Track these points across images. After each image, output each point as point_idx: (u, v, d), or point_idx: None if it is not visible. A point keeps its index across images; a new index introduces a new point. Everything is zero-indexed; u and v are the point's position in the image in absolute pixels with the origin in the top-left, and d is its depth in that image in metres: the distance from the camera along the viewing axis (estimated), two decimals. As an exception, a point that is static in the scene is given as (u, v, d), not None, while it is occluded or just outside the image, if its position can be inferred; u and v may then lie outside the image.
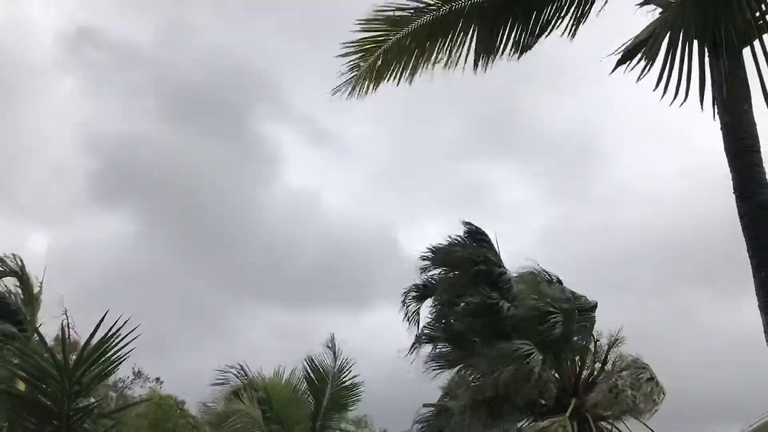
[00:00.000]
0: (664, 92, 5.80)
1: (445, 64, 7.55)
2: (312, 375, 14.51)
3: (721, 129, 6.28)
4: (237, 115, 44.21)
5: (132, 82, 41.93)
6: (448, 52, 7.51)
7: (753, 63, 5.76)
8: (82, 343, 7.19)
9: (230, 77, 41.40)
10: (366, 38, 7.67)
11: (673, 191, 34.38)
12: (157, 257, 39.04)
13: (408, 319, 16.39)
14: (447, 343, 16.28)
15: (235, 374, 14.91)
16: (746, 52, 5.87)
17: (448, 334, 16.15)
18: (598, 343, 15.74)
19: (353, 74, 7.79)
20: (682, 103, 5.75)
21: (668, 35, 5.93)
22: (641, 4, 6.76)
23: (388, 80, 7.78)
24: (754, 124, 6.07)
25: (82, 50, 44.42)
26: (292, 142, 49.32)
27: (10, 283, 10.91)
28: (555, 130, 37.36)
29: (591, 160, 40.31)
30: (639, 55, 6.12)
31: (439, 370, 16.24)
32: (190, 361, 33.96)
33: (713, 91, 5.93)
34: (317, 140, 46.58)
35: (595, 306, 15.37)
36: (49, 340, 8.24)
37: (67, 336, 7.20)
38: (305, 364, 14.53)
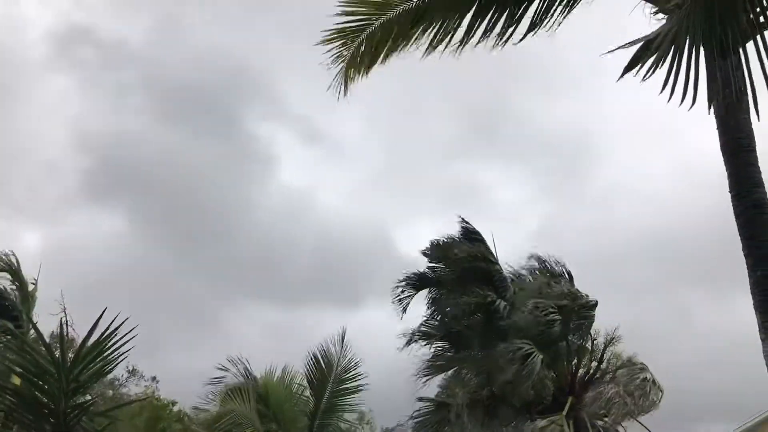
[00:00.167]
0: (671, 95, 5.79)
1: (430, 47, 7.30)
2: (314, 372, 14.40)
3: (717, 128, 6.31)
4: (231, 114, 44.16)
5: (125, 81, 41.78)
6: (438, 34, 7.24)
7: (751, 62, 5.78)
8: (78, 340, 7.20)
9: (224, 76, 41.35)
10: (347, 25, 7.46)
11: (668, 190, 34.52)
12: (150, 255, 38.99)
13: (400, 301, 16.36)
14: (443, 341, 16.30)
15: (234, 372, 14.77)
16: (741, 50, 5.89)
17: (445, 332, 16.17)
18: (595, 342, 15.80)
19: (340, 66, 7.62)
20: (690, 107, 5.74)
21: (674, 40, 5.92)
22: (654, 13, 6.78)
23: (376, 65, 7.59)
24: (750, 123, 6.10)
25: (75, 48, 44.28)
26: (286, 141, 49.27)
27: (5, 280, 10.90)
28: (549, 129, 37.40)
29: (586, 159, 40.39)
30: (649, 62, 6.05)
31: (433, 375, 16.28)
32: (182, 359, 33.95)
33: (709, 91, 5.94)
34: (311, 139, 46.60)
35: (595, 305, 15.39)
36: (46, 338, 8.21)
37: (65, 333, 7.18)
38: (310, 359, 14.39)
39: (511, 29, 6.99)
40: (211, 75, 40.51)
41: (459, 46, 7.22)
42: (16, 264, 9.89)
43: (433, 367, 16.24)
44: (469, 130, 40.44)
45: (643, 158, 38.61)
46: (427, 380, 16.18)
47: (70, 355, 7.11)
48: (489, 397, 15.10)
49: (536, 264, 16.30)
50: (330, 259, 40.72)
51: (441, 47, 7.31)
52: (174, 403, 22.14)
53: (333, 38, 7.56)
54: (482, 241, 16.09)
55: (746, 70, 5.68)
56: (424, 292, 16.59)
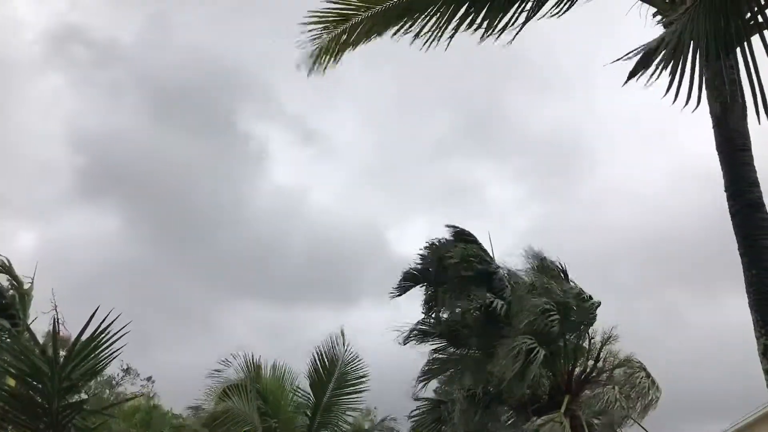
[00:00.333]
0: (675, 98, 5.74)
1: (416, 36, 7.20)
2: (316, 370, 14.35)
3: (713, 127, 6.29)
4: (223, 113, 44.17)
5: (118, 80, 41.79)
6: (423, 20, 7.15)
7: (746, 62, 5.75)
8: (71, 339, 7.17)
9: (217, 75, 41.35)
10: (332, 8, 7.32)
11: (659, 191, 34.51)
12: (144, 253, 39.05)
13: (400, 290, 16.42)
14: (440, 339, 16.29)
15: (236, 367, 14.65)
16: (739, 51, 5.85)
17: (441, 331, 16.16)
18: (592, 341, 15.77)
19: (315, 47, 7.42)
20: (694, 109, 5.70)
21: (678, 44, 5.89)
22: (658, 18, 6.76)
23: (360, 45, 7.39)
24: (746, 123, 6.07)
25: (68, 47, 44.24)
26: (278, 140, 49.27)
27: (2, 279, 10.87)
28: (541, 130, 37.44)
29: (576, 160, 40.42)
30: (653, 67, 6.01)
31: (431, 378, 16.27)
32: (175, 357, 33.98)
33: (710, 92, 5.91)
34: (304, 138, 46.60)
35: (598, 305, 15.28)
36: (40, 337, 8.20)
37: (57, 332, 7.15)
38: (313, 356, 14.33)
39: (502, 23, 6.96)
40: (203, 74, 40.59)
41: (440, 35, 7.13)
42: (7, 263, 9.85)
43: (430, 371, 16.25)
44: (462, 129, 40.51)
45: (636, 159, 38.71)
46: (424, 385, 16.24)
47: (62, 353, 7.08)
48: (485, 395, 15.06)
49: (534, 261, 16.23)
50: (322, 258, 40.81)
51: (426, 35, 7.22)
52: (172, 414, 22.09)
53: (318, 21, 7.39)
54: (475, 241, 16.15)
55: (745, 70, 5.65)
56: (421, 290, 16.61)
